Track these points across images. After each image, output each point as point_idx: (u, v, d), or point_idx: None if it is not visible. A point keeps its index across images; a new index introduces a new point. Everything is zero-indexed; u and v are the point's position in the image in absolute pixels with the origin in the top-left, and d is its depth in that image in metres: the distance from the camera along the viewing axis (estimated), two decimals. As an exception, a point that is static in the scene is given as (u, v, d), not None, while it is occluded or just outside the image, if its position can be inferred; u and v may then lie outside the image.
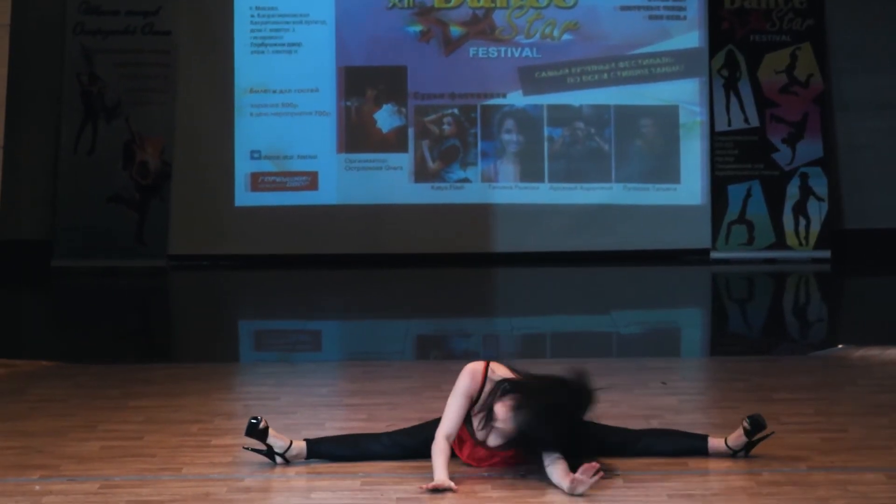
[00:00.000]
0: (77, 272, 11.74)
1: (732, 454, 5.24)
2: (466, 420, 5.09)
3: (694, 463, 5.20)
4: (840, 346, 7.92)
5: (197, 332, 9.77)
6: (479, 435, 5.07)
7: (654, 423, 5.78)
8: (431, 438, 5.06)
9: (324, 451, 5.27)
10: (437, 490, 4.82)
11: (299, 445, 5.25)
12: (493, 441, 5.05)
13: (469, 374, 5.08)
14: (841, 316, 10.48)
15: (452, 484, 4.85)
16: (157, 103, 12.18)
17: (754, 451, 5.24)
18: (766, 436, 5.23)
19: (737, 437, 5.24)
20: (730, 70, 12.21)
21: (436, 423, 5.13)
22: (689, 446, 5.30)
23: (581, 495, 4.70)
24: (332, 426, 5.82)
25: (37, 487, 4.92)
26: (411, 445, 5.22)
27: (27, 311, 10.64)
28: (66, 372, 7.39)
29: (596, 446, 5.20)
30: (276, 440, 5.20)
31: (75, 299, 11.20)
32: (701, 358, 8.70)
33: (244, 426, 5.20)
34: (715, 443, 5.28)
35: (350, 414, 6.33)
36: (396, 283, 11.43)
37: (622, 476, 5.00)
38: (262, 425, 5.15)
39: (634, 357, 8.19)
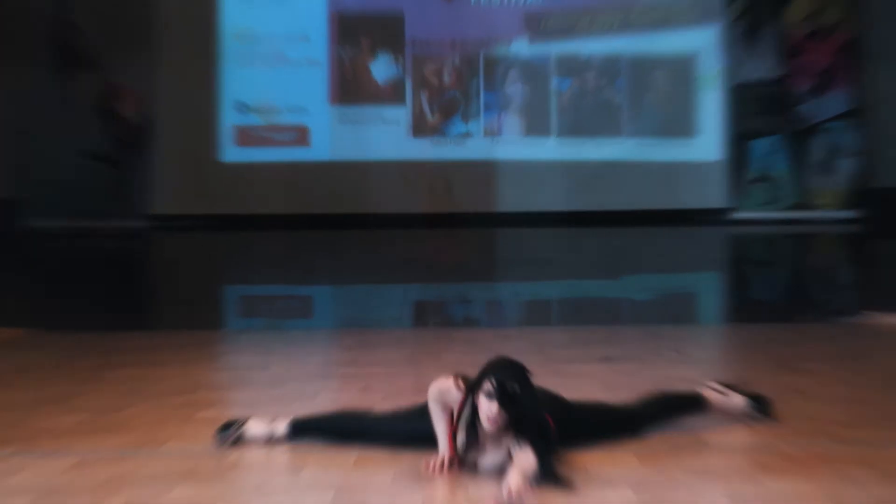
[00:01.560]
0: (51, 233, 11.72)
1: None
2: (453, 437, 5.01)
3: (712, 437, 5.20)
4: (864, 312, 7.92)
5: (179, 297, 9.77)
6: (465, 454, 4.98)
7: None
8: (423, 430, 4.99)
9: (308, 438, 5.21)
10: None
11: (282, 431, 5.17)
12: (487, 458, 4.96)
13: (443, 383, 4.96)
14: (867, 280, 10.47)
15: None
16: (136, 52, 12.14)
17: (774, 424, 5.27)
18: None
19: (738, 401, 5.34)
20: (751, 17, 12.15)
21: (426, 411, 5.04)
22: (689, 415, 5.33)
23: None
24: (325, 398, 5.80)
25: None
26: (404, 435, 5.10)
27: (-2, 275, 10.65)
28: (39, 340, 7.39)
29: (588, 430, 5.19)
30: (258, 430, 5.13)
31: (48, 262, 11.19)
32: (718, 325, 8.70)
33: (230, 398, 5.19)
34: (711, 396, 5.35)
35: (344, 385, 6.32)
36: (393, 245, 11.42)
37: (636, 454, 4.99)
38: (235, 435, 5.06)
39: (647, 324, 8.20)
